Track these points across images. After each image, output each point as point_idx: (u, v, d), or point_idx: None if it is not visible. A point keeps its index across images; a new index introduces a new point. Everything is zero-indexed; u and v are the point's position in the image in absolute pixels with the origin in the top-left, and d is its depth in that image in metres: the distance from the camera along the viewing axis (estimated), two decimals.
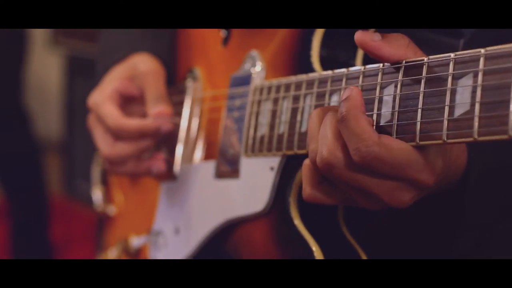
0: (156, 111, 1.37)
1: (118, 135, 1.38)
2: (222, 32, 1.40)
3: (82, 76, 3.88)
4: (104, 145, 1.40)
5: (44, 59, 4.33)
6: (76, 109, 3.96)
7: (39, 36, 3.72)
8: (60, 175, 4.14)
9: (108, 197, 1.74)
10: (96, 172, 1.78)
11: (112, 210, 1.71)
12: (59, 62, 4.18)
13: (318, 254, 1.10)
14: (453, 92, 0.91)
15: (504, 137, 0.85)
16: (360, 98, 0.98)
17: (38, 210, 3.38)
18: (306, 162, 1.05)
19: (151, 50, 1.45)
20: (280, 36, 1.24)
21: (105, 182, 1.77)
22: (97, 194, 1.74)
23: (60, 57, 4.12)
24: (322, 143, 1.00)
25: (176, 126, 1.41)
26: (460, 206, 1.14)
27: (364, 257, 1.14)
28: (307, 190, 1.05)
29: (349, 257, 1.14)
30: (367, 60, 1.07)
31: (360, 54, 1.16)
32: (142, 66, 1.42)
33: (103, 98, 1.39)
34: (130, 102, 1.43)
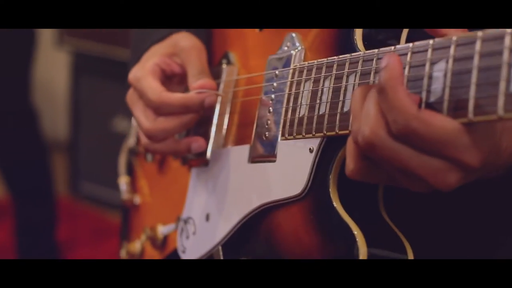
0: (199, 84, 1.32)
1: (160, 109, 1.32)
2: None
3: (88, 73, 3.85)
4: (145, 120, 1.34)
5: (50, 58, 4.31)
6: (82, 107, 3.92)
7: (44, 35, 3.70)
8: (66, 175, 4.11)
9: (133, 187, 1.71)
10: (122, 162, 1.75)
11: (137, 200, 1.68)
12: (65, 61, 4.16)
13: (360, 238, 1.06)
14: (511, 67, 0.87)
15: None
16: (399, 67, 0.95)
17: (45, 211, 3.34)
18: (350, 138, 1.01)
19: (190, 30, 1.42)
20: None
21: (130, 173, 1.74)
22: (123, 184, 1.70)
23: (66, 54, 4.09)
24: (365, 122, 0.97)
25: (222, 96, 1.37)
26: (508, 197, 1.10)
27: (405, 242, 1.10)
28: (350, 166, 1.01)
29: (390, 242, 1.09)
30: (411, 40, 1.04)
31: (404, 33, 1.12)
32: (183, 42, 1.37)
33: (143, 73, 1.35)
34: (171, 79, 1.39)
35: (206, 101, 1.31)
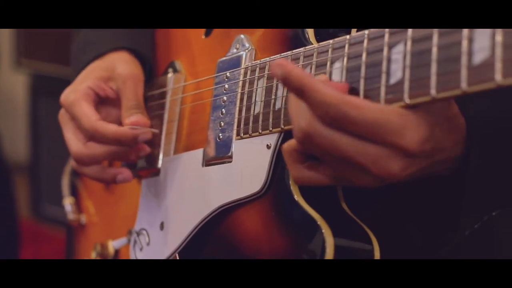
0: (132, 120, 1.29)
1: (93, 137, 1.29)
2: None
3: (46, 94, 3.77)
4: (75, 144, 1.31)
5: (8, 80, 4.22)
6: (42, 128, 3.84)
7: (1, 58, 3.63)
8: (27, 197, 4.00)
9: (79, 208, 1.65)
10: (65, 183, 1.70)
11: (84, 219, 1.63)
12: (23, 83, 4.08)
13: (326, 229, 1.03)
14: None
15: None
16: (293, 66, 0.95)
17: (8, 233, 3.23)
18: (285, 147, 1.03)
19: (132, 46, 1.38)
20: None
21: (74, 194, 1.68)
22: (68, 205, 1.65)
23: (24, 76, 4.01)
24: (300, 117, 0.97)
25: (157, 133, 1.34)
26: (459, 190, 1.09)
27: (369, 231, 1.08)
28: (295, 173, 1.02)
29: (355, 233, 1.07)
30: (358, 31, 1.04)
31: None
32: (120, 69, 1.33)
33: (76, 96, 1.30)
34: (105, 102, 1.35)
35: (139, 137, 1.29)
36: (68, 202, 1.65)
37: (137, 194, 1.42)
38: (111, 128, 1.27)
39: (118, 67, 1.33)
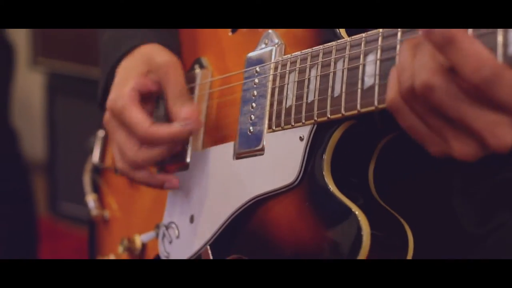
0: (184, 115, 1.28)
1: (147, 142, 1.29)
2: None
3: (63, 93, 3.78)
4: (130, 149, 1.30)
5: (25, 79, 4.22)
6: (58, 127, 3.84)
7: (18, 57, 3.64)
8: (45, 195, 4.01)
9: (102, 204, 1.67)
10: (87, 181, 1.71)
11: (107, 215, 1.64)
12: (40, 81, 4.09)
13: (362, 218, 1.05)
14: None
15: None
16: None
17: (27, 231, 3.24)
18: (395, 69, 0.94)
19: (161, 41, 1.39)
20: None
21: (96, 190, 1.70)
22: (90, 201, 1.66)
23: (41, 75, 4.02)
24: (421, 68, 0.88)
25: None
26: None
27: (402, 221, 1.10)
28: (391, 95, 0.94)
29: (389, 222, 1.09)
30: None
31: None
32: (159, 58, 1.33)
33: (125, 102, 1.30)
34: (147, 98, 1.35)
35: (193, 132, 1.29)
36: (91, 199, 1.66)
37: (164, 190, 1.43)
38: (164, 130, 1.27)
39: (155, 57, 1.33)
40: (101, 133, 1.66)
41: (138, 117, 1.28)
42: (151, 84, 1.32)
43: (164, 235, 1.39)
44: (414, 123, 0.94)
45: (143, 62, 1.34)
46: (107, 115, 1.33)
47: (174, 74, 1.31)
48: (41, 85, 4.06)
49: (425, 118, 0.91)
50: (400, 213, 1.12)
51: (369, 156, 1.14)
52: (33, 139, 4.34)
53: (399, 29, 1.01)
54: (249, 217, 1.22)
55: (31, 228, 3.28)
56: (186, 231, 1.35)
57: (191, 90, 1.38)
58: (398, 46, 1.01)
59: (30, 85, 4.39)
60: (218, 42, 1.38)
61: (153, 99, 1.35)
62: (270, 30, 1.25)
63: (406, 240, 1.08)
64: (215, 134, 1.33)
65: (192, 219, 1.33)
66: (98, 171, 1.71)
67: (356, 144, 1.12)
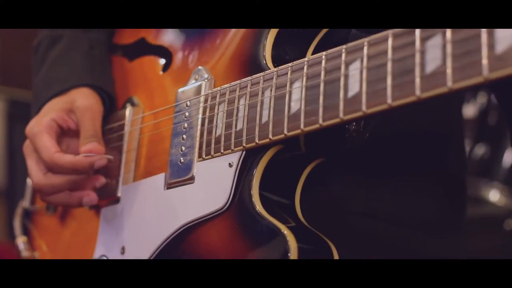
0: (87, 148, 1.34)
1: (51, 168, 1.34)
2: (160, 60, 1.42)
3: (23, 120, 3.73)
4: (36, 174, 1.36)
5: None
6: (18, 154, 3.78)
7: None
8: (3, 221, 3.90)
9: (32, 246, 1.66)
10: (17, 224, 1.71)
11: (37, 255, 1.64)
12: (0, 108, 4.02)
13: (289, 235, 1.08)
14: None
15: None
16: None
17: None
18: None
19: (92, 83, 1.43)
20: (225, 47, 1.27)
21: (26, 233, 1.70)
22: (20, 243, 1.66)
23: (0, 102, 3.96)
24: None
25: (111, 160, 1.38)
26: None
27: (325, 238, 1.14)
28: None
29: (314, 239, 1.13)
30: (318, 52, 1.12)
31: (311, 49, 1.20)
32: (79, 101, 1.38)
33: (40, 129, 1.35)
34: (68, 133, 1.39)
35: (95, 164, 1.33)
36: (21, 241, 1.66)
37: (95, 225, 1.44)
38: (67, 158, 1.32)
39: (77, 100, 1.39)
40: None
41: (46, 143, 1.33)
42: (70, 121, 1.38)
43: None
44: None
45: (67, 101, 1.40)
46: (26, 141, 1.38)
47: (89, 117, 1.37)
48: (1, 112, 4.02)
49: None
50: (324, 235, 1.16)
51: (296, 180, 1.18)
52: None
53: (323, 56, 1.07)
54: (181, 243, 1.25)
55: None
56: None
57: (122, 127, 1.41)
58: (322, 73, 1.07)
59: None
60: (149, 82, 1.43)
61: (70, 140, 1.40)
62: (200, 67, 1.30)
63: (331, 256, 1.12)
64: (146, 167, 1.36)
65: (123, 250, 1.35)
66: (28, 215, 1.71)
67: (283, 169, 1.17)
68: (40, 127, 1.35)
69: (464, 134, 1.52)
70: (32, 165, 1.36)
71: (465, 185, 1.45)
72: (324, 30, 1.21)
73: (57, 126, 1.36)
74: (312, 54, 1.19)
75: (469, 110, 2.60)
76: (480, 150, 2.61)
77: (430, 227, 1.36)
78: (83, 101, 1.38)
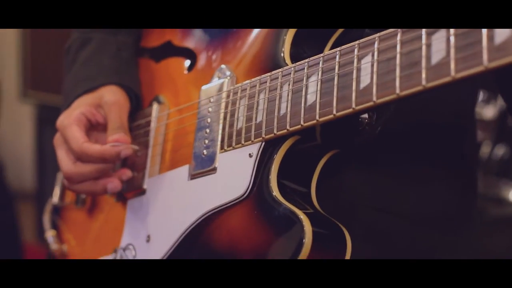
0: (114, 138, 1.42)
1: (80, 157, 1.42)
2: (185, 61, 1.49)
3: (52, 124, 3.82)
4: (66, 163, 1.44)
5: (15, 111, 4.26)
6: (47, 157, 3.86)
7: (8, 89, 3.69)
8: (34, 223, 4.00)
9: (60, 239, 1.74)
10: (46, 220, 1.79)
11: (65, 248, 1.71)
12: (30, 113, 4.12)
13: (305, 220, 1.15)
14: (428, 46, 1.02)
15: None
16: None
17: (12, 257, 3.24)
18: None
19: (119, 81, 1.51)
20: (247, 46, 1.34)
21: (56, 228, 1.77)
22: (49, 237, 1.74)
23: (30, 107, 4.06)
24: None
25: (138, 150, 1.47)
26: None
27: (340, 225, 1.20)
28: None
29: (328, 225, 1.19)
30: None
31: (327, 48, 1.27)
32: (107, 97, 1.47)
33: (69, 121, 1.44)
34: (96, 127, 1.48)
35: (122, 153, 1.42)
36: (50, 235, 1.74)
37: (121, 216, 1.52)
38: (95, 148, 1.41)
39: (105, 95, 1.48)
40: (60, 174, 1.74)
41: (75, 134, 1.42)
42: (99, 115, 1.47)
43: (121, 257, 1.47)
44: None
45: (95, 97, 1.49)
46: (57, 134, 1.46)
47: (116, 112, 1.46)
48: (31, 117, 4.11)
49: None
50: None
51: (312, 170, 1.25)
52: (23, 169, 4.37)
53: (337, 52, 1.14)
54: (203, 231, 1.31)
55: (16, 255, 3.30)
56: (142, 251, 1.43)
57: (149, 123, 1.49)
58: (336, 67, 1.13)
59: (20, 117, 4.44)
60: (174, 81, 1.50)
61: (98, 133, 1.49)
62: (223, 65, 1.38)
63: (345, 242, 1.18)
64: (172, 160, 1.44)
65: (148, 239, 1.42)
66: (57, 211, 1.78)
67: (300, 159, 1.24)
68: (70, 119, 1.44)
69: (478, 130, 1.57)
70: (63, 155, 1.44)
71: (476, 181, 1.50)
72: (340, 30, 1.27)
73: (86, 119, 1.45)
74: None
75: (489, 112, 2.65)
76: (500, 150, 2.65)
77: (442, 222, 1.41)
78: (111, 96, 1.47)
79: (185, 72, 1.48)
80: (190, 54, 1.49)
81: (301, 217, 1.16)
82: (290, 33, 1.27)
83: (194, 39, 1.50)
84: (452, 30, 0.99)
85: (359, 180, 1.34)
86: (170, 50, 1.55)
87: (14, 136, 4.59)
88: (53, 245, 1.72)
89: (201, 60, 1.46)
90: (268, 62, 1.30)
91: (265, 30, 1.32)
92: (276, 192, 1.21)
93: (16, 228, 3.35)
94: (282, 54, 1.27)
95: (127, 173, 1.46)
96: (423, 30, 1.03)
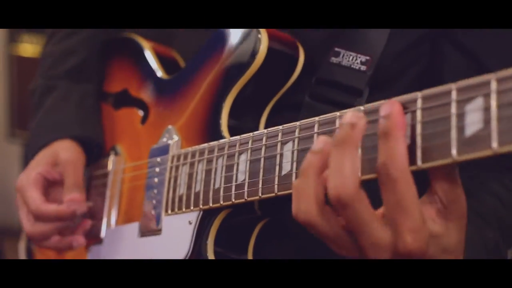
0: (69, 197, 1.51)
1: (38, 218, 1.51)
2: (140, 112, 1.56)
3: None
4: (27, 223, 1.53)
5: (3, 150, 4.34)
6: None
7: None
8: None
9: None
10: (22, 248, 1.88)
11: None
12: (18, 153, 4.20)
13: None
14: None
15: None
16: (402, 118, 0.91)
17: None
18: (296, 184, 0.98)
19: (76, 134, 1.59)
20: (191, 111, 1.41)
21: (30, 256, 1.86)
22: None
23: (18, 147, 4.14)
24: (339, 175, 0.91)
25: (92, 206, 1.56)
26: None
27: None
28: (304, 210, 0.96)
29: None
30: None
31: (262, 121, 1.33)
32: (62, 155, 1.55)
33: (28, 182, 1.52)
34: (54, 184, 1.56)
35: (77, 211, 1.51)
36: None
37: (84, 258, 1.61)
38: (51, 208, 1.50)
39: (60, 153, 1.56)
40: None
41: (33, 194, 1.50)
42: (55, 174, 1.54)
43: None
44: (325, 229, 0.97)
45: (51, 155, 1.56)
46: (18, 194, 1.55)
47: (71, 170, 1.53)
48: (18, 156, 4.18)
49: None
50: None
51: (248, 236, 1.32)
52: (10, 207, 4.47)
53: (264, 133, 1.20)
54: None
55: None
56: None
57: (106, 175, 1.57)
58: (263, 149, 1.20)
59: (7, 156, 4.51)
60: (130, 133, 1.58)
61: (57, 190, 1.55)
62: (170, 126, 1.45)
63: None
64: (127, 214, 1.52)
65: None
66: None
67: (236, 227, 1.31)
68: (28, 181, 1.52)
69: None
70: (23, 216, 1.53)
71: None
72: (275, 99, 1.34)
73: (43, 179, 1.53)
74: (265, 124, 1.33)
75: None
76: None
77: None
78: (66, 154, 1.55)
79: (140, 125, 1.55)
80: (144, 107, 1.56)
81: None
82: (228, 102, 1.34)
83: (147, 91, 1.57)
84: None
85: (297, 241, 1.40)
86: (127, 99, 1.62)
87: (2, 175, 4.66)
88: None
89: (153, 115, 1.53)
90: (209, 131, 1.37)
91: (204, 93, 1.38)
92: (210, 257, 1.29)
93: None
94: (220, 126, 1.34)
95: (88, 224, 1.54)
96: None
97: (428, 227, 0.92)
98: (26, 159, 1.61)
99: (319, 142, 0.97)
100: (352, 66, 1.30)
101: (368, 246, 0.93)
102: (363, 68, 1.30)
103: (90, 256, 1.59)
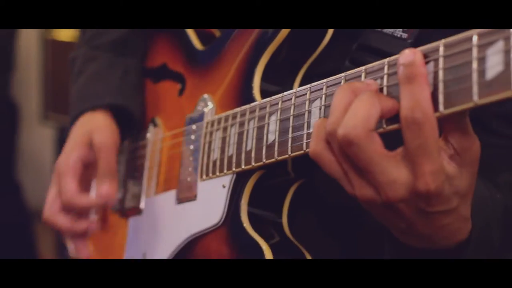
0: (101, 190, 1.50)
1: (67, 207, 1.52)
2: (177, 84, 1.58)
3: None
4: (50, 207, 1.54)
5: (36, 133, 4.41)
6: None
7: (28, 112, 3.81)
8: (53, 241, 4.21)
9: None
10: None
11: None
12: (50, 136, 4.26)
13: (267, 252, 1.24)
14: None
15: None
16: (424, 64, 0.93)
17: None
18: (318, 122, 1.03)
19: (117, 102, 1.61)
20: (225, 78, 1.42)
21: None
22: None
23: (51, 130, 4.21)
24: (352, 116, 0.94)
25: (140, 166, 1.58)
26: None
27: (306, 252, 1.29)
28: (312, 147, 1.02)
29: (294, 256, 1.28)
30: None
31: (296, 87, 1.33)
32: (97, 139, 1.54)
33: (65, 169, 1.53)
34: (88, 165, 1.56)
35: (107, 205, 1.52)
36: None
37: (124, 233, 1.64)
38: (83, 201, 1.51)
39: (95, 136, 1.55)
40: None
41: (69, 185, 1.51)
42: (92, 155, 1.55)
43: None
44: (332, 166, 1.01)
45: (86, 134, 1.56)
46: (55, 171, 1.56)
47: (105, 155, 1.52)
48: (52, 140, 4.24)
49: (340, 162, 0.99)
50: (307, 247, 1.30)
51: (282, 198, 1.33)
52: (43, 191, 4.55)
53: (308, 89, 1.19)
54: (187, 254, 1.42)
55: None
56: None
57: (145, 146, 1.59)
58: (292, 108, 1.20)
59: (40, 139, 4.58)
60: (168, 104, 1.60)
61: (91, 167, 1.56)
62: (205, 95, 1.46)
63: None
64: (165, 183, 1.54)
65: (144, 256, 1.53)
66: None
67: (269, 189, 1.32)
68: (67, 167, 1.52)
69: None
70: (50, 198, 1.55)
71: None
72: (309, 62, 1.34)
73: (82, 164, 1.53)
74: (299, 85, 1.33)
75: None
76: None
77: None
78: (99, 137, 1.54)
79: (177, 96, 1.57)
80: (181, 79, 1.58)
81: (264, 247, 1.25)
82: (260, 67, 1.34)
83: (185, 64, 1.59)
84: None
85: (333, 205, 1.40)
86: (166, 73, 1.64)
87: (36, 158, 4.72)
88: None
89: (190, 86, 1.54)
90: (242, 95, 1.38)
91: (239, 63, 1.39)
92: (246, 223, 1.30)
93: (34, 247, 3.50)
94: (252, 90, 1.35)
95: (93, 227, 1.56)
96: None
97: (445, 169, 0.93)
98: (72, 121, 1.62)
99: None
100: (394, 33, 1.30)
101: (384, 184, 0.94)
102: (405, 35, 1.30)
103: (130, 226, 1.62)
